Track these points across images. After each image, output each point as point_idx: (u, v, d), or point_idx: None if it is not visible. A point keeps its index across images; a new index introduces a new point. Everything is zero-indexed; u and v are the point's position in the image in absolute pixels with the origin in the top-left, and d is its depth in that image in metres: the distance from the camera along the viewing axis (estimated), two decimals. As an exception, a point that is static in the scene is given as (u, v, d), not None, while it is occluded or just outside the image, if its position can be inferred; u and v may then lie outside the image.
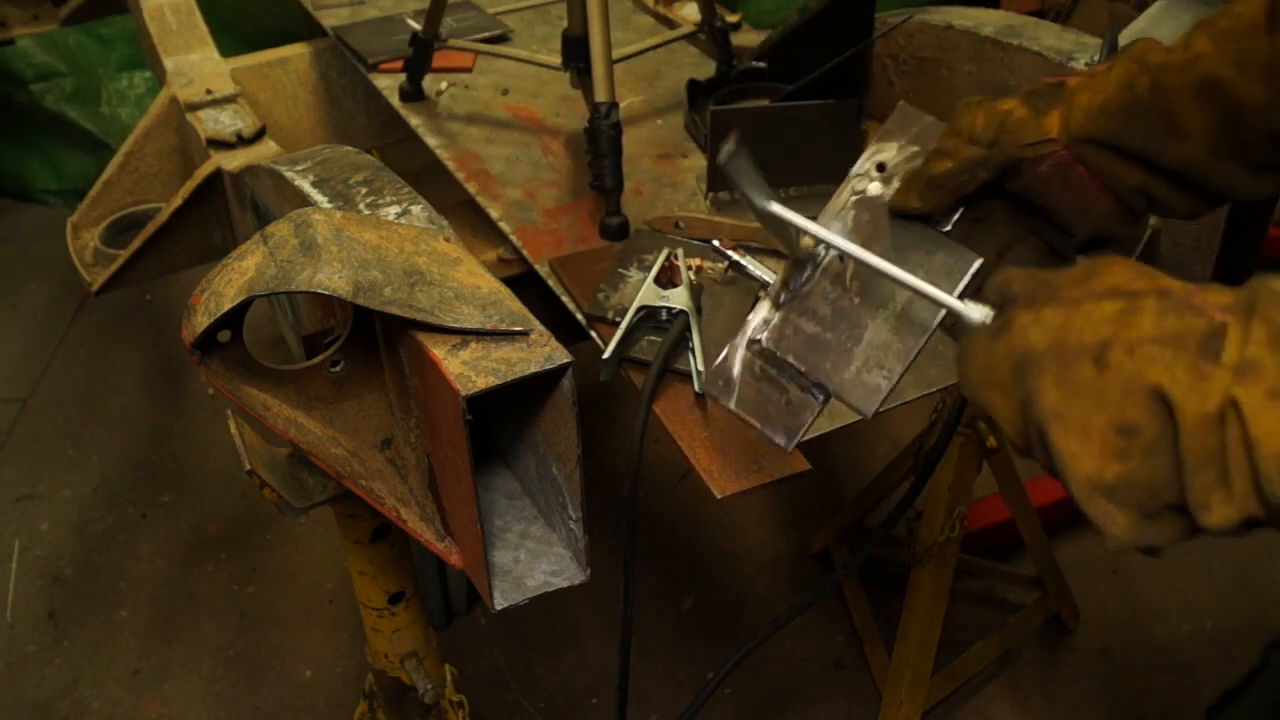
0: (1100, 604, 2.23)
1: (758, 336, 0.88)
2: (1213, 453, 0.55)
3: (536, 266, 1.36)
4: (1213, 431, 0.55)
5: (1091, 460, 0.59)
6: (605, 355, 1.14)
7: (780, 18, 1.62)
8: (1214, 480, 0.56)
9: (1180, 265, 1.39)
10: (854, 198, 0.87)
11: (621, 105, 1.41)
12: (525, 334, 0.80)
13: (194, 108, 1.59)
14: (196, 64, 1.72)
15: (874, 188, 0.87)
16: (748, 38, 1.84)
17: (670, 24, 1.98)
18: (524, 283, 1.36)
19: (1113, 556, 2.33)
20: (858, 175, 0.87)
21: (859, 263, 0.80)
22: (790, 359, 0.87)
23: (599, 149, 1.36)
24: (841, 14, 1.58)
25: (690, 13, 1.96)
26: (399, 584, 1.24)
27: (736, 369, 0.88)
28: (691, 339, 1.14)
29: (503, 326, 0.80)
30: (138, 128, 1.68)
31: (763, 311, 0.88)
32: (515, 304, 0.83)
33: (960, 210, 0.84)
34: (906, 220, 0.84)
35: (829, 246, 0.84)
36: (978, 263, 0.81)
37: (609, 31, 1.40)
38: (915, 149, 0.86)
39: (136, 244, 1.58)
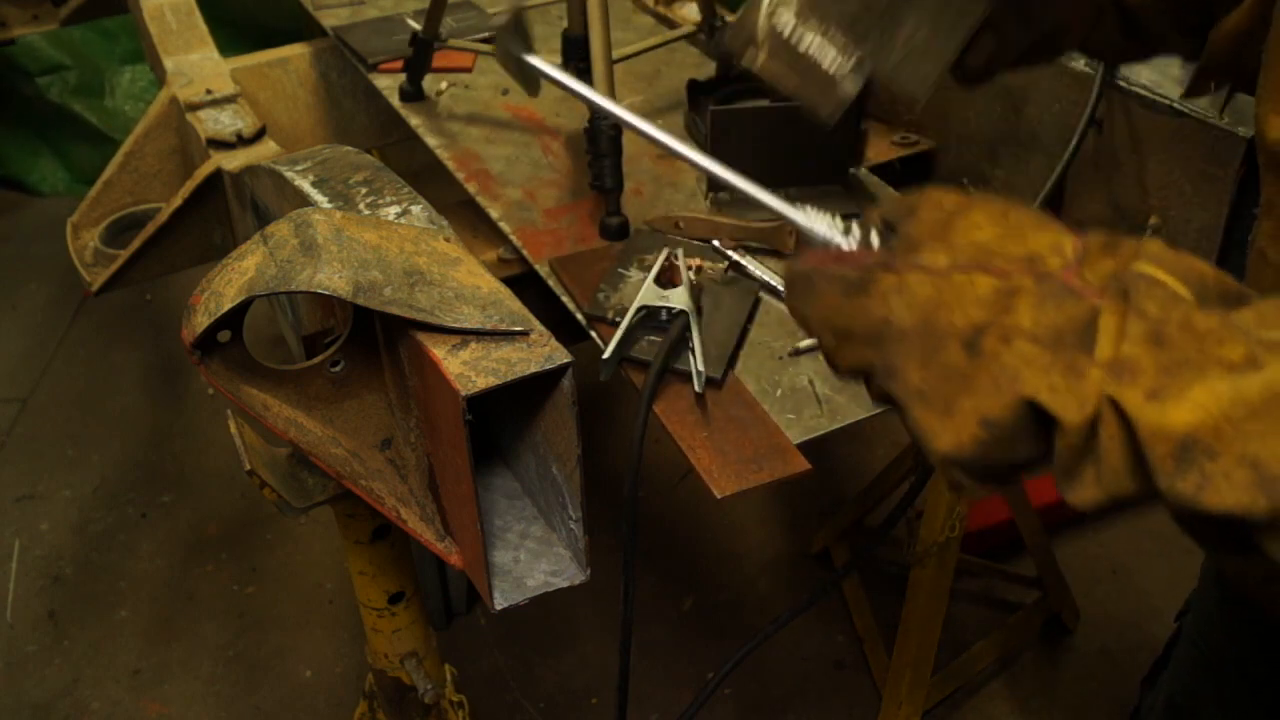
0: (1100, 604, 2.23)
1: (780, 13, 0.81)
2: (1086, 450, 0.55)
3: (536, 266, 1.36)
4: (1087, 431, 0.55)
5: (951, 439, 0.58)
6: (605, 355, 1.14)
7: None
8: (1086, 469, 0.56)
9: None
10: None
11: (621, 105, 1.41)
12: (525, 334, 0.80)
13: (194, 108, 1.59)
14: (196, 64, 1.72)
15: None
16: (748, 38, 1.83)
17: (670, 24, 1.98)
18: (524, 283, 1.36)
19: (1113, 556, 2.33)
20: None
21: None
22: (833, 26, 0.81)
23: (599, 149, 1.36)
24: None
25: (690, 13, 1.96)
26: (399, 584, 1.24)
27: (761, 26, 0.80)
28: (691, 339, 1.14)
29: (503, 326, 0.80)
30: (138, 128, 1.68)
31: None
32: (515, 304, 0.83)
33: None
34: None
35: None
36: (985, 5, 0.82)
37: (609, 31, 1.40)
38: None
39: (136, 244, 1.58)
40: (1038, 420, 0.56)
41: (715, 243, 1.34)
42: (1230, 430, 0.50)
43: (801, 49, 0.81)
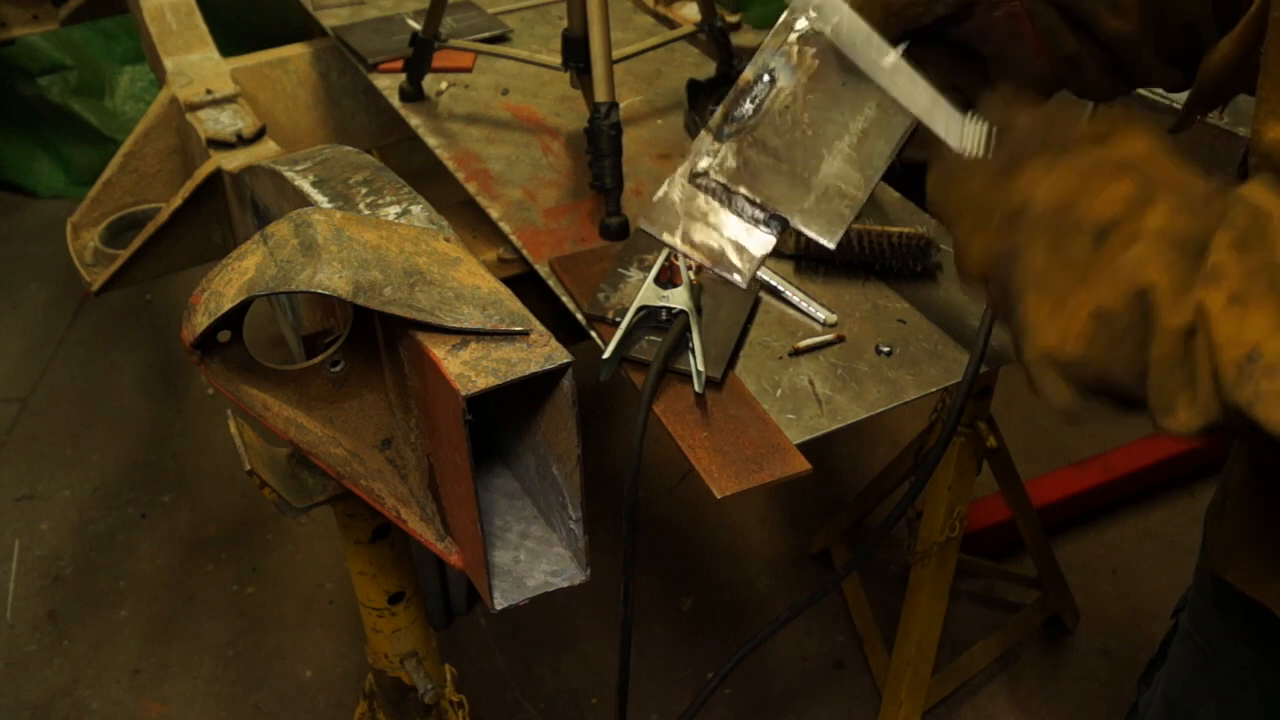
0: (1100, 604, 2.23)
1: (702, 169, 0.85)
2: (1180, 359, 0.57)
3: (536, 266, 1.36)
4: (1183, 340, 0.56)
5: (1056, 333, 0.61)
6: (605, 355, 1.14)
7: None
8: (1180, 386, 0.57)
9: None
10: (795, 34, 0.84)
11: (621, 105, 1.41)
12: (525, 334, 0.80)
13: (194, 108, 1.59)
14: (196, 64, 1.72)
15: (811, 24, 0.84)
16: (748, 38, 1.84)
17: (670, 24, 1.98)
18: (524, 283, 1.36)
19: (1113, 556, 2.33)
20: (795, 8, 0.84)
21: (812, 92, 0.81)
22: (743, 190, 0.85)
23: (599, 149, 1.36)
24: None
25: (690, 13, 1.96)
26: (399, 584, 1.24)
27: (678, 202, 0.85)
28: (691, 339, 1.14)
29: (503, 326, 0.80)
30: (138, 128, 1.68)
31: (705, 145, 0.85)
32: (515, 304, 0.83)
33: (905, 45, 0.83)
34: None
35: (771, 77, 0.84)
36: (937, 96, 0.80)
37: (609, 31, 1.40)
38: None
39: (136, 244, 1.58)
40: (1144, 321, 0.58)
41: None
42: None
43: (716, 218, 0.86)
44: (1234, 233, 0.56)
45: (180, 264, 1.62)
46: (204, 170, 1.48)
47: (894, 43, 0.81)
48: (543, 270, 1.35)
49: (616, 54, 1.43)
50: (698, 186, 0.85)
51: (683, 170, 0.86)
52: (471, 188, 1.52)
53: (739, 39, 1.80)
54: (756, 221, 0.86)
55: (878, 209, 1.44)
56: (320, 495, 1.04)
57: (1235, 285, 0.55)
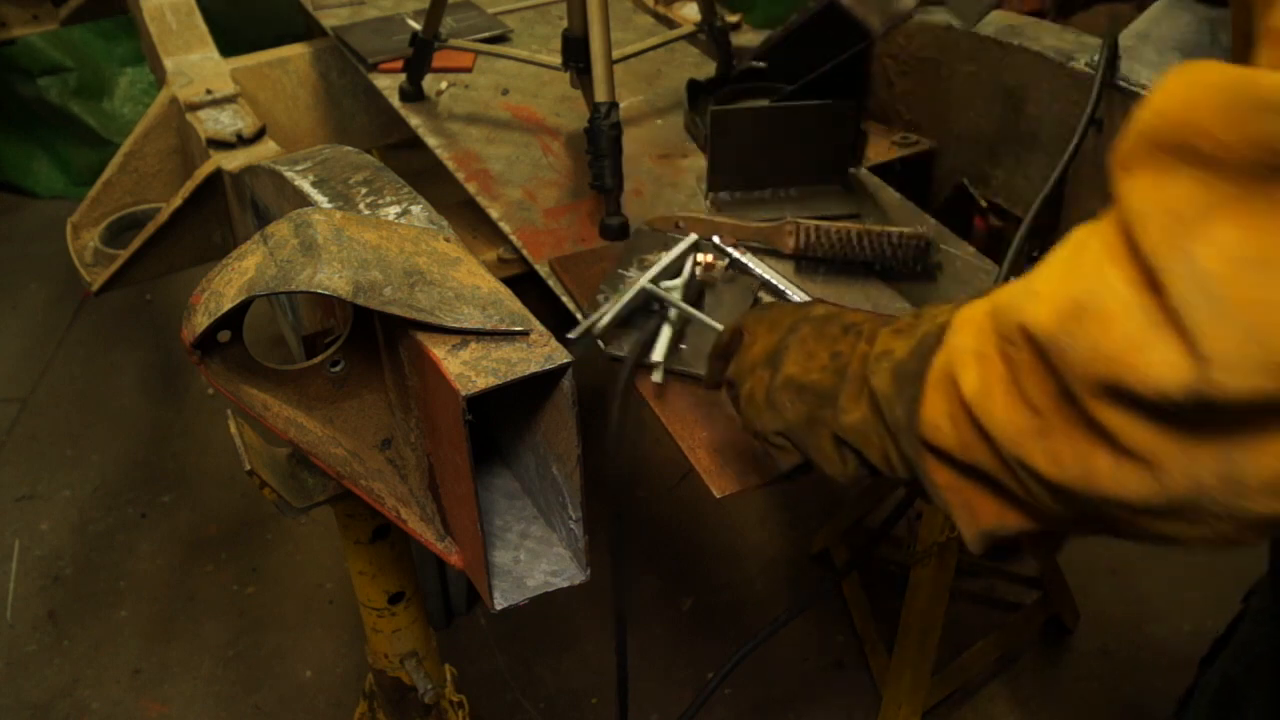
0: (1100, 604, 2.23)
1: None
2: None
3: (536, 266, 1.36)
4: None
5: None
6: (572, 334, 1.14)
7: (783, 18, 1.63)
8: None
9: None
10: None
11: (621, 105, 1.41)
12: (525, 334, 0.80)
13: (194, 108, 1.59)
14: (196, 64, 1.72)
15: None
16: (748, 38, 1.83)
17: (670, 24, 1.98)
18: (524, 283, 1.36)
19: (1113, 556, 2.33)
20: None
21: None
22: None
23: (599, 149, 1.36)
24: (841, 14, 1.57)
25: (690, 13, 1.96)
26: (399, 584, 1.24)
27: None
28: (660, 330, 1.14)
29: (503, 326, 0.80)
30: (138, 128, 1.68)
31: None
32: (515, 304, 0.83)
33: None
34: None
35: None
36: None
37: (609, 31, 1.39)
38: None
39: (136, 244, 1.58)
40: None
41: (715, 239, 1.33)
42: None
43: None
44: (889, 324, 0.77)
45: (180, 264, 1.62)
46: (204, 170, 1.48)
47: None
48: (543, 270, 1.35)
49: (616, 54, 1.43)
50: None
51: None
52: (471, 188, 1.52)
53: (739, 39, 1.80)
54: None
55: (878, 209, 1.44)
56: (320, 495, 1.04)
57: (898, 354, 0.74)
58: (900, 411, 0.69)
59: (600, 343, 1.17)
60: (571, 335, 1.12)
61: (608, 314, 1.15)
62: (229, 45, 1.87)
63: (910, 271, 1.29)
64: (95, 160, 3.51)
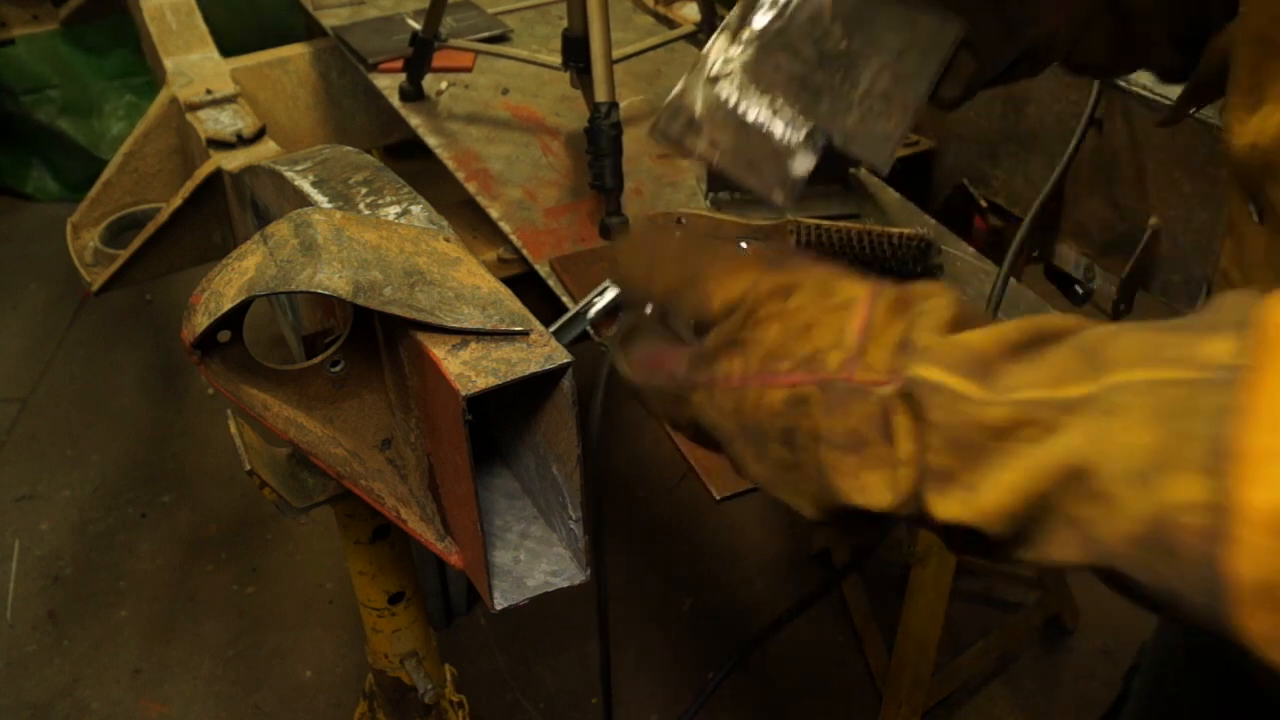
0: (1100, 604, 2.23)
1: (726, 71, 0.73)
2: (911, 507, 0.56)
3: (536, 266, 1.36)
4: (909, 504, 0.54)
5: (809, 510, 0.60)
6: (554, 326, 1.12)
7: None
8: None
9: (1180, 264, 1.40)
10: None
11: (621, 105, 1.41)
12: (525, 334, 0.80)
13: (194, 108, 1.59)
14: (196, 64, 1.72)
15: None
16: (748, 38, 1.83)
17: (670, 24, 1.98)
18: (524, 283, 1.36)
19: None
20: None
21: (840, 8, 0.71)
22: (779, 95, 0.73)
23: (599, 149, 1.36)
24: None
25: (690, 13, 1.96)
26: (399, 584, 1.24)
27: (699, 105, 0.72)
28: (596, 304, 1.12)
29: (503, 326, 0.80)
30: (138, 128, 1.68)
31: (721, 47, 0.73)
32: (515, 304, 0.83)
33: None
34: None
35: None
36: (958, 31, 0.73)
37: (609, 31, 1.40)
38: None
39: (136, 244, 1.58)
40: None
41: (715, 242, 1.33)
42: None
43: (748, 122, 0.73)
44: (942, 434, 0.51)
45: (180, 264, 1.62)
46: (204, 170, 1.48)
47: None
48: (543, 270, 1.35)
49: (616, 54, 1.43)
50: (720, 91, 0.72)
51: (698, 70, 0.73)
52: (471, 187, 1.52)
53: (739, 39, 1.80)
54: (792, 136, 0.73)
55: (878, 209, 1.44)
56: (320, 495, 1.04)
57: (950, 466, 0.52)
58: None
59: (591, 331, 1.17)
60: (553, 328, 1.11)
61: (595, 306, 1.14)
62: (228, 50, 1.86)
63: (910, 272, 1.29)
64: (90, 171, 3.49)
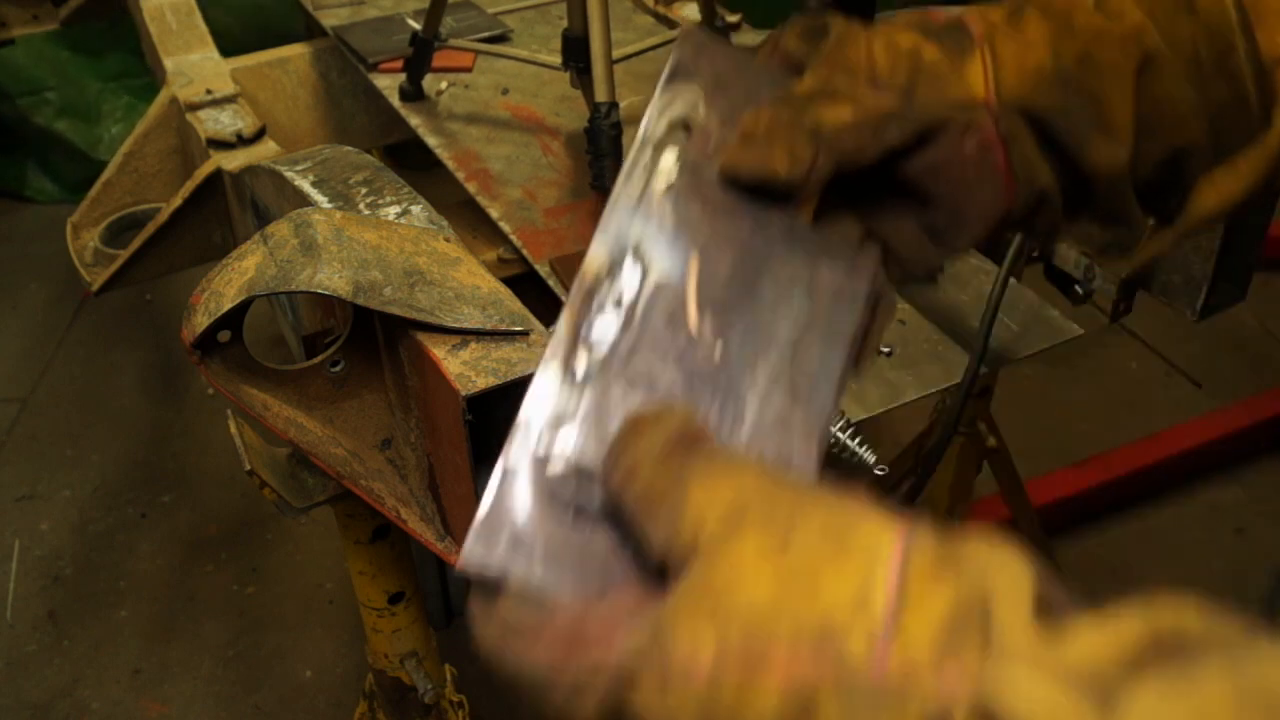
0: (1100, 604, 2.23)
1: (554, 448, 0.48)
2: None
3: (536, 266, 1.36)
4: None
5: None
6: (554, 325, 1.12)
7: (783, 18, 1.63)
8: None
9: (1181, 265, 1.39)
10: (657, 179, 0.54)
11: (621, 105, 1.41)
12: (525, 334, 0.80)
13: (194, 108, 1.59)
14: (196, 64, 1.72)
15: (679, 159, 0.55)
16: (748, 38, 1.83)
17: (670, 24, 1.98)
18: (524, 283, 1.36)
19: (1113, 556, 2.33)
20: (651, 141, 0.55)
21: (709, 275, 0.52)
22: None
23: (599, 149, 1.36)
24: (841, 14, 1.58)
25: (690, 13, 1.96)
26: (399, 584, 1.24)
27: (526, 507, 0.47)
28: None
29: (503, 326, 0.80)
30: (138, 128, 1.68)
31: (551, 393, 0.50)
32: (515, 304, 0.83)
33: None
34: (750, 200, 0.54)
35: (638, 260, 0.52)
36: (870, 281, 0.57)
37: (609, 31, 1.39)
38: (730, 96, 0.57)
39: (136, 244, 1.58)
40: None
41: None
42: None
43: (591, 535, 0.47)
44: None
45: (180, 264, 1.62)
46: (204, 170, 1.48)
47: (818, 188, 0.55)
48: (543, 270, 1.35)
49: (616, 54, 1.43)
50: (555, 474, 0.48)
51: (522, 447, 0.48)
52: (471, 187, 1.52)
53: (739, 39, 1.80)
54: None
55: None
56: (320, 495, 1.04)
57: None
58: None
59: None
60: (553, 329, 1.11)
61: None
62: (228, 50, 1.86)
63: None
64: (87, 173, 3.48)
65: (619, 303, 0.52)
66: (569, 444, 0.49)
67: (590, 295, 0.52)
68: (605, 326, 0.51)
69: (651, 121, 0.55)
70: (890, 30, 0.57)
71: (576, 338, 0.51)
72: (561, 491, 0.48)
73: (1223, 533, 2.37)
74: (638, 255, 0.52)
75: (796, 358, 0.52)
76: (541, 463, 0.48)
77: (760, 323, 0.52)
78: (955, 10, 0.59)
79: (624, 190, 0.54)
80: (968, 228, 0.60)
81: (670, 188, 0.54)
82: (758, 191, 0.54)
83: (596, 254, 0.53)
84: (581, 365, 0.50)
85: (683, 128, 0.55)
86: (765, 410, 0.51)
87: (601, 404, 0.49)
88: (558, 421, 0.49)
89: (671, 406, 0.48)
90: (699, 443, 0.44)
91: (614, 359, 0.51)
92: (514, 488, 0.48)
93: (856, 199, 0.58)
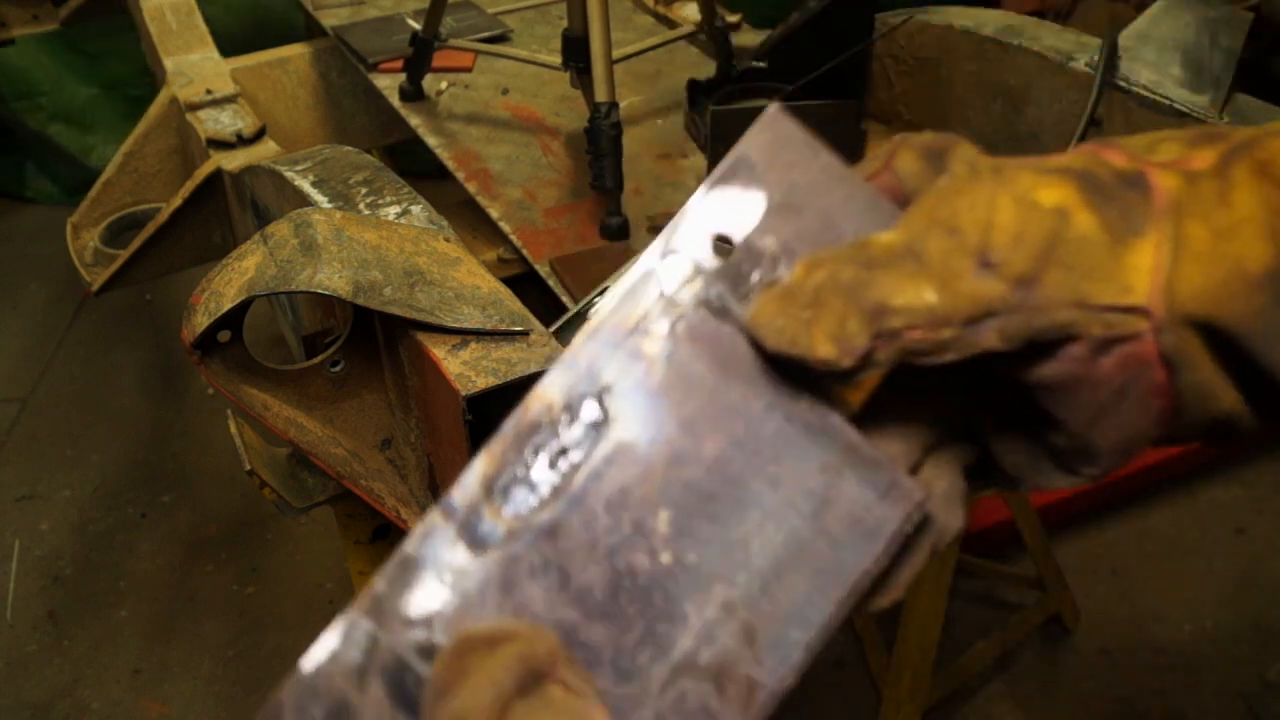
0: (1100, 604, 2.23)
1: (413, 608, 0.37)
2: None
3: (536, 266, 1.36)
4: None
5: None
6: (558, 323, 1.12)
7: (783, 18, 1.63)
8: None
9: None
10: (664, 307, 0.40)
11: (621, 105, 1.41)
12: (525, 334, 0.80)
13: (194, 108, 1.59)
14: (196, 64, 1.72)
15: (703, 290, 0.40)
16: (748, 38, 1.83)
17: (670, 24, 1.98)
18: (524, 283, 1.36)
19: (1113, 556, 2.33)
20: (674, 253, 0.40)
21: (680, 473, 0.39)
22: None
23: (599, 149, 1.36)
24: (842, 14, 1.58)
25: (690, 13, 1.96)
26: (399, 584, 1.24)
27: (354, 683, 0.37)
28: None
29: (503, 326, 0.80)
30: (138, 128, 1.68)
31: (430, 577, 0.37)
32: (515, 304, 0.83)
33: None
34: (778, 369, 0.40)
35: (599, 406, 0.39)
36: (911, 512, 0.39)
37: (609, 31, 1.40)
38: (801, 222, 0.41)
39: (136, 244, 1.58)
40: None
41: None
42: None
43: None
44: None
45: (180, 264, 1.62)
46: (204, 170, 1.48)
47: (874, 381, 0.42)
48: (543, 270, 1.35)
49: (616, 54, 1.43)
50: (399, 682, 0.36)
51: (363, 607, 0.37)
52: (471, 187, 1.52)
53: (739, 39, 1.80)
54: None
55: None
56: (320, 495, 1.04)
57: None
58: None
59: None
60: (553, 329, 1.11)
61: (595, 305, 1.14)
62: (228, 50, 1.86)
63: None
64: (84, 175, 3.48)
65: (556, 461, 0.38)
66: (431, 608, 0.37)
67: (525, 438, 0.38)
68: (528, 489, 0.38)
69: (684, 227, 0.40)
70: (1035, 176, 0.40)
71: (491, 489, 0.38)
72: (399, 679, 0.37)
73: (1223, 533, 2.37)
74: (602, 403, 0.39)
75: (770, 591, 0.38)
76: (397, 673, 0.37)
77: (735, 534, 0.38)
78: (1139, 147, 0.42)
79: (617, 312, 0.40)
80: (1099, 462, 0.43)
81: (677, 327, 0.40)
82: (788, 364, 0.39)
83: (550, 387, 0.39)
84: (483, 523, 0.38)
85: (723, 247, 0.40)
86: (703, 649, 0.37)
87: (504, 598, 0.37)
88: (430, 621, 0.37)
89: (516, 629, 0.35)
90: (539, 685, 0.34)
91: (525, 532, 0.38)
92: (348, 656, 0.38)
93: (942, 384, 0.43)
